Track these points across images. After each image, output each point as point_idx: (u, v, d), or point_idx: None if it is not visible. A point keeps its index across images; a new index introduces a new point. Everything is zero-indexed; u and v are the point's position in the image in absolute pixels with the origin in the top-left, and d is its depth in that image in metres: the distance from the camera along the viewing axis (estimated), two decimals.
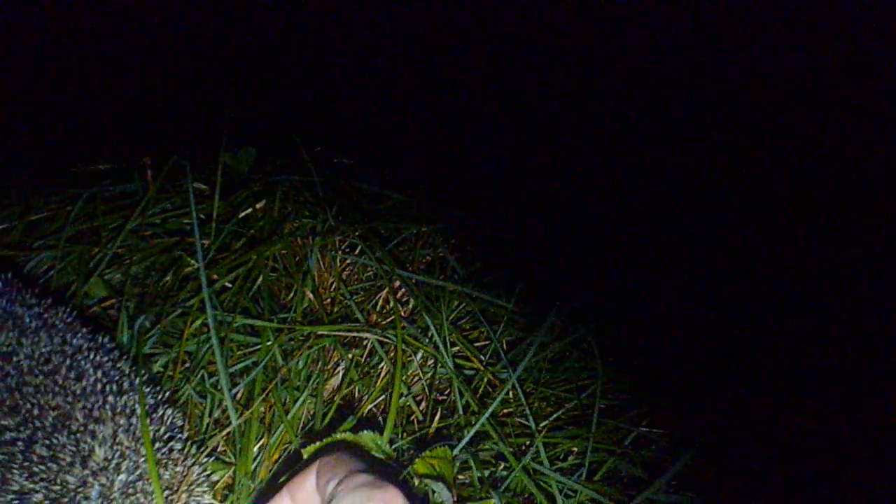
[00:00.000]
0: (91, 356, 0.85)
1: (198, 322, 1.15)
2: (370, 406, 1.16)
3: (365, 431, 0.90)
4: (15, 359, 0.80)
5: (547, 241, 1.71)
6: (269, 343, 1.15)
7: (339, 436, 0.87)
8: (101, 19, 2.08)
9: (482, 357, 1.29)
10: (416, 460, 0.89)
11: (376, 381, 1.20)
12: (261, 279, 1.27)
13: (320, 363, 1.18)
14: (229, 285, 1.26)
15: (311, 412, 1.12)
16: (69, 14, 2.00)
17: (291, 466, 0.97)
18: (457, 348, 1.29)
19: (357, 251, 1.39)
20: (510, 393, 1.26)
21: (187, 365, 1.13)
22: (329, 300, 1.30)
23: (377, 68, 2.42)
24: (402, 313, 1.30)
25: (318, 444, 0.85)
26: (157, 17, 2.18)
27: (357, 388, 1.19)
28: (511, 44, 2.62)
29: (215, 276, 1.25)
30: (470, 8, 2.61)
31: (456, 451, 1.03)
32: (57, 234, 1.33)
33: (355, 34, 2.53)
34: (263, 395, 1.08)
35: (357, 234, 1.38)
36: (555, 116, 2.34)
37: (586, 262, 1.68)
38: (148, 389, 0.87)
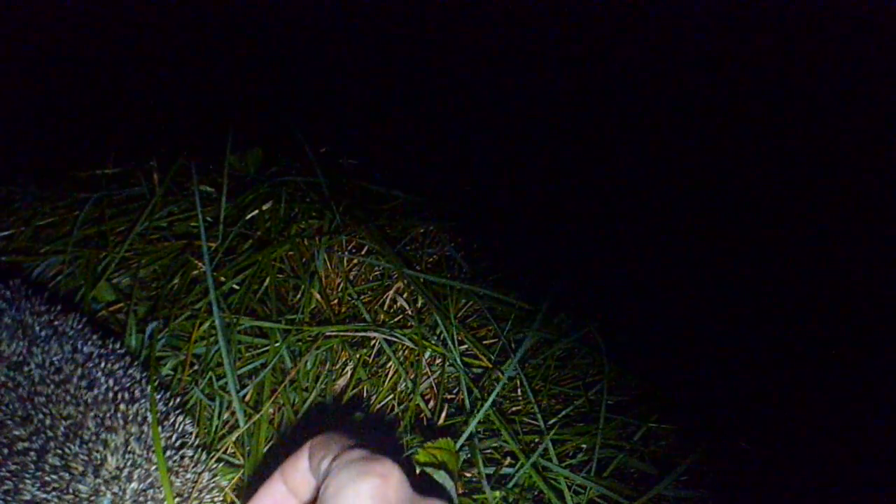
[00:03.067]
0: (102, 364, 0.85)
1: (206, 324, 1.15)
2: (378, 405, 1.16)
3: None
4: (26, 368, 0.81)
5: (554, 238, 1.71)
6: (277, 344, 1.15)
7: None
8: (106, 22, 2.08)
9: (490, 355, 1.29)
10: (419, 450, 0.88)
11: (384, 381, 1.20)
12: (268, 281, 1.28)
13: (328, 363, 1.19)
14: (237, 287, 1.27)
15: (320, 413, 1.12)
16: (73, 16, 2.00)
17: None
18: (465, 346, 1.29)
19: (364, 251, 1.39)
20: (519, 391, 1.27)
21: (196, 367, 1.13)
22: (336, 300, 1.31)
23: (382, 68, 2.42)
24: (410, 312, 1.31)
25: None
26: (161, 19, 2.18)
27: (365, 388, 1.20)
28: (519, 39, 2.61)
29: (223, 279, 1.26)
30: (474, 6, 2.60)
31: (460, 443, 1.04)
32: (64, 238, 1.34)
33: (360, 33, 2.53)
34: (272, 397, 1.08)
35: (363, 233, 1.39)
36: (559, 114, 2.33)
37: (593, 259, 1.68)
38: (159, 396, 0.87)
